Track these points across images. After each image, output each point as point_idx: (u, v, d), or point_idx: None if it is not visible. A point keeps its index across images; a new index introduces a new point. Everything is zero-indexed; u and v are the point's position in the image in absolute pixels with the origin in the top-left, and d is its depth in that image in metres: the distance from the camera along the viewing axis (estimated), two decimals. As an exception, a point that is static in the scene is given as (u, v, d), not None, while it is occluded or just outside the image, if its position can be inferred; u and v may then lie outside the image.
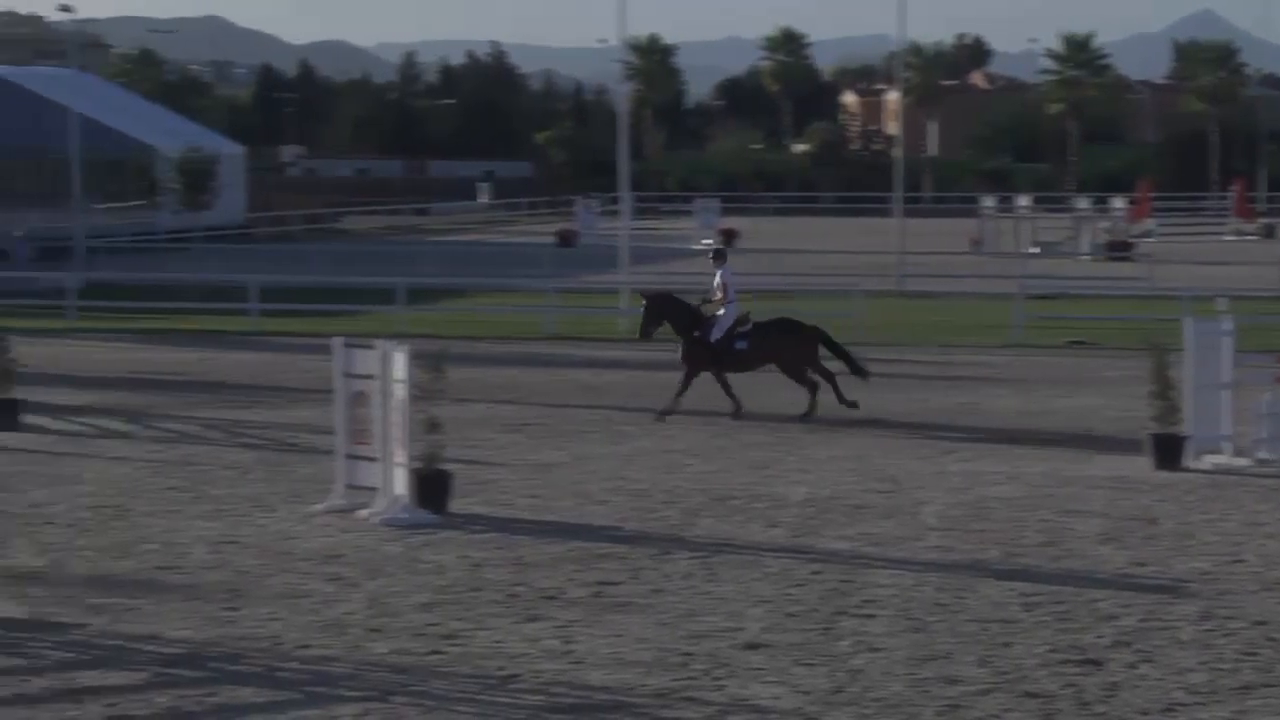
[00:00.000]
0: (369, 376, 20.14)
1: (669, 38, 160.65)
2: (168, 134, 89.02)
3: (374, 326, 38.86)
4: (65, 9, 69.34)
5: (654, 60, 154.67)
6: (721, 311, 28.13)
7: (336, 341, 20.98)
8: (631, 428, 26.98)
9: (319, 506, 20.27)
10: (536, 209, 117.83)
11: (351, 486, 20.32)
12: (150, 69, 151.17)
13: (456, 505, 20.08)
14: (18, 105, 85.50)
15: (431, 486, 19.96)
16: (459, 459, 21.57)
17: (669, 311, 28.42)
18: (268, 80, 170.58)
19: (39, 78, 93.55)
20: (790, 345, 28.12)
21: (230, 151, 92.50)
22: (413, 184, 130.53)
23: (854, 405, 27.57)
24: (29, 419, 26.90)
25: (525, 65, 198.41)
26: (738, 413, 27.55)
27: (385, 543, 18.55)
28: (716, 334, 27.96)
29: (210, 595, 16.20)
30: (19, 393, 27.13)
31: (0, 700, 12.98)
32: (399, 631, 14.93)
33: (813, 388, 27.84)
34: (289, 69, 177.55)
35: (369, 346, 20.47)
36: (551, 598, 16.11)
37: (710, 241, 78.65)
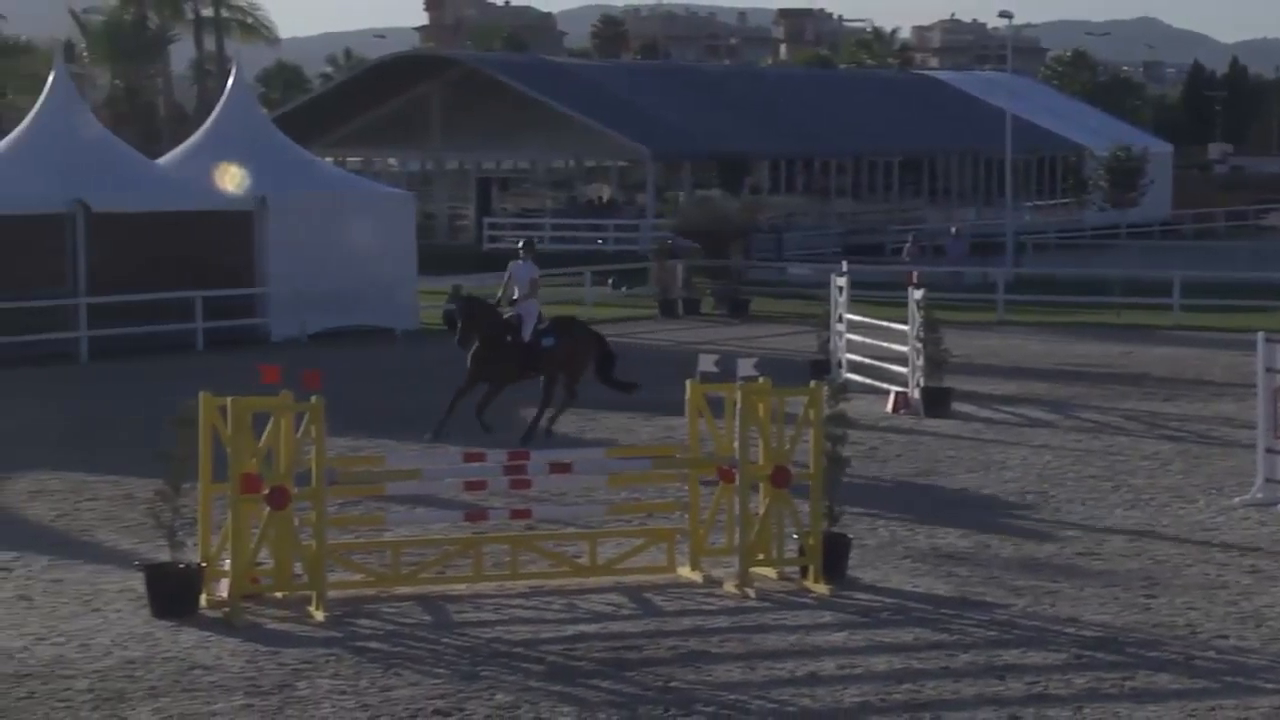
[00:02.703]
0: (1293, 372, 19.96)
1: None
2: (1096, 133, 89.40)
3: (1299, 323, 38.04)
4: (1005, 15, 70.80)
5: None
6: (516, 312, 25.34)
7: (1259, 336, 20.89)
8: None
9: (1238, 499, 20.23)
10: None
11: (1271, 480, 20.18)
12: (1082, 71, 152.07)
13: (1381, 505, 19.68)
14: (956, 108, 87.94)
15: (1356, 485, 19.61)
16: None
17: (481, 314, 25.44)
18: (1197, 79, 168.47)
19: (976, 81, 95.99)
20: (584, 345, 25.44)
21: (1158, 150, 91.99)
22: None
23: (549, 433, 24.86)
24: (959, 406, 27.85)
25: None
26: (444, 430, 24.52)
27: (1304, 538, 18.38)
28: (526, 332, 25.14)
29: (1128, 582, 16.49)
30: (950, 381, 28.18)
31: (927, 673, 13.67)
32: (1318, 627, 14.84)
33: (570, 397, 25.47)
34: (1219, 67, 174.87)
35: (1292, 343, 20.30)
36: None
37: None
